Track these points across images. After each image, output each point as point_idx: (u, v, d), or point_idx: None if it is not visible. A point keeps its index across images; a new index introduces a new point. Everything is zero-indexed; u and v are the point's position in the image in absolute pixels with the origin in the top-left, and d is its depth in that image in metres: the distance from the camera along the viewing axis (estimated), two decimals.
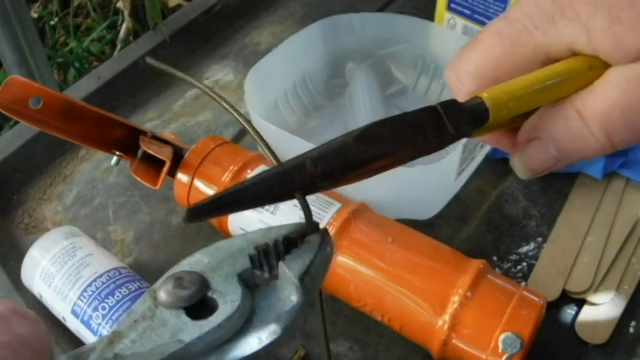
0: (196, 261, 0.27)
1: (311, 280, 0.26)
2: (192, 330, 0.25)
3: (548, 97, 0.27)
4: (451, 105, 0.27)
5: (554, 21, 0.26)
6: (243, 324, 0.26)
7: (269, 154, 0.25)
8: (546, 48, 0.27)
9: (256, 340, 0.26)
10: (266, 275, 0.27)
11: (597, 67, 0.27)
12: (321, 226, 0.49)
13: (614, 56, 0.26)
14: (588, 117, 0.26)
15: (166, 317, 0.25)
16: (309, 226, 0.27)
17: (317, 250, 0.26)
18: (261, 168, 0.54)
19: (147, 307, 0.26)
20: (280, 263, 0.26)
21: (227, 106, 0.27)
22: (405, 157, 0.27)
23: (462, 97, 0.28)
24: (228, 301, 0.25)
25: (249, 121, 0.26)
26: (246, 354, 0.26)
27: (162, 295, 0.26)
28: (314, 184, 0.26)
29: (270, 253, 0.27)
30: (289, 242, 0.27)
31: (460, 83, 0.29)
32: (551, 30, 0.27)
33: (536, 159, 0.28)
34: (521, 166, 0.29)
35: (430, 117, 0.27)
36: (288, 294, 0.26)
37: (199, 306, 0.26)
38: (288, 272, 0.26)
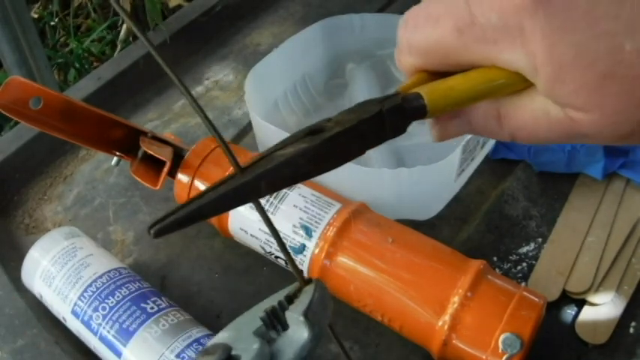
0: (220, 337, 0.32)
1: (314, 314, 0.31)
2: None
3: (481, 100, 0.30)
4: (396, 110, 0.29)
5: (514, 46, 0.26)
6: None
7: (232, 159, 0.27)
8: (496, 62, 0.28)
9: None
10: (279, 330, 0.32)
11: (530, 82, 0.28)
12: (322, 226, 0.50)
13: (546, 97, 0.28)
14: (504, 123, 0.30)
15: None
16: (302, 282, 0.32)
17: (313, 292, 0.31)
18: None
19: None
20: (287, 313, 0.31)
21: (198, 109, 0.28)
22: (343, 163, 0.29)
23: (404, 64, 0.31)
24: (248, 351, 0.30)
25: (215, 128, 0.28)
26: None
27: None
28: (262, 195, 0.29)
29: (277, 311, 0.32)
30: (290, 298, 0.32)
31: (409, 54, 0.31)
32: (507, 51, 0.27)
33: (452, 132, 0.32)
34: (438, 135, 0.33)
35: (375, 126, 0.29)
36: (300, 333, 0.31)
37: None
38: (294, 314, 0.31)
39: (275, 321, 0.32)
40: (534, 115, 0.29)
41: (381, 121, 0.29)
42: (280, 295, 0.32)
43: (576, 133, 0.28)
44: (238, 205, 0.28)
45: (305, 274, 0.50)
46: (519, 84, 0.28)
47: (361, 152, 0.29)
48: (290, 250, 0.51)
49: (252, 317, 0.32)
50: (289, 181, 0.28)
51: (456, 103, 0.29)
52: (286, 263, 0.52)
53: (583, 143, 0.30)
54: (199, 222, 0.28)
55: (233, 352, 0.31)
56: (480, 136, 0.32)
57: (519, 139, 0.30)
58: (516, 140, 0.31)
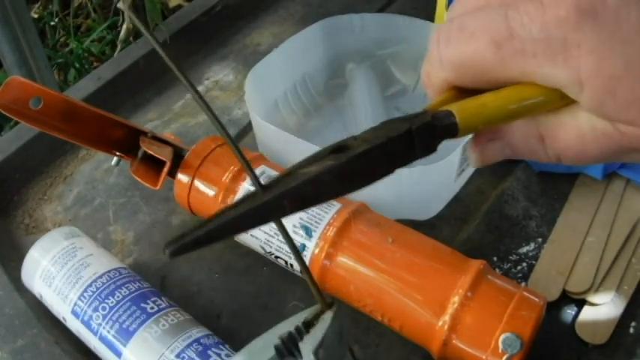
0: None
1: (327, 350, 0.30)
2: None
3: (515, 118, 0.29)
4: (426, 128, 0.28)
5: (555, 60, 0.25)
6: None
7: (249, 171, 0.26)
8: (534, 77, 0.27)
9: None
10: (296, 357, 0.31)
11: (568, 98, 0.27)
12: (322, 226, 0.50)
13: (592, 113, 0.27)
14: (547, 143, 0.29)
15: None
16: (323, 305, 0.31)
17: (328, 324, 0.31)
18: (261, 168, 0.54)
19: None
20: (300, 344, 0.30)
21: (208, 112, 0.27)
22: (371, 183, 0.28)
23: (434, 80, 0.30)
24: None
25: (227, 133, 0.28)
26: None
27: None
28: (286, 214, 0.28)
29: (294, 338, 0.31)
30: (308, 324, 0.31)
31: (441, 68, 0.29)
32: (547, 66, 0.26)
33: (492, 155, 0.31)
34: (477, 158, 0.32)
35: (404, 144, 0.28)
36: None
37: None
38: (306, 350, 0.30)
39: (292, 347, 0.31)
40: (580, 132, 0.27)
41: (411, 140, 0.28)
42: (299, 318, 0.31)
43: (627, 147, 0.27)
44: (259, 225, 0.27)
45: None
46: (555, 102, 0.27)
47: (389, 172, 0.28)
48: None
49: (267, 344, 0.31)
50: (314, 200, 0.27)
51: (489, 121, 0.28)
52: (290, 265, 0.52)
53: (632, 161, 0.29)
54: (218, 242, 0.26)
55: None
56: (522, 158, 0.30)
57: (566, 160, 0.29)
58: (563, 161, 0.29)
